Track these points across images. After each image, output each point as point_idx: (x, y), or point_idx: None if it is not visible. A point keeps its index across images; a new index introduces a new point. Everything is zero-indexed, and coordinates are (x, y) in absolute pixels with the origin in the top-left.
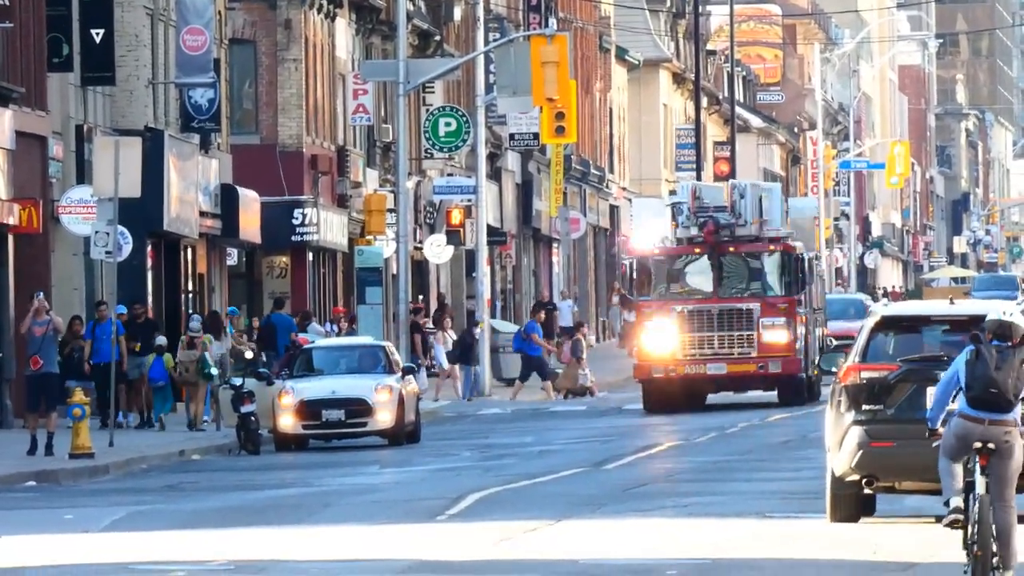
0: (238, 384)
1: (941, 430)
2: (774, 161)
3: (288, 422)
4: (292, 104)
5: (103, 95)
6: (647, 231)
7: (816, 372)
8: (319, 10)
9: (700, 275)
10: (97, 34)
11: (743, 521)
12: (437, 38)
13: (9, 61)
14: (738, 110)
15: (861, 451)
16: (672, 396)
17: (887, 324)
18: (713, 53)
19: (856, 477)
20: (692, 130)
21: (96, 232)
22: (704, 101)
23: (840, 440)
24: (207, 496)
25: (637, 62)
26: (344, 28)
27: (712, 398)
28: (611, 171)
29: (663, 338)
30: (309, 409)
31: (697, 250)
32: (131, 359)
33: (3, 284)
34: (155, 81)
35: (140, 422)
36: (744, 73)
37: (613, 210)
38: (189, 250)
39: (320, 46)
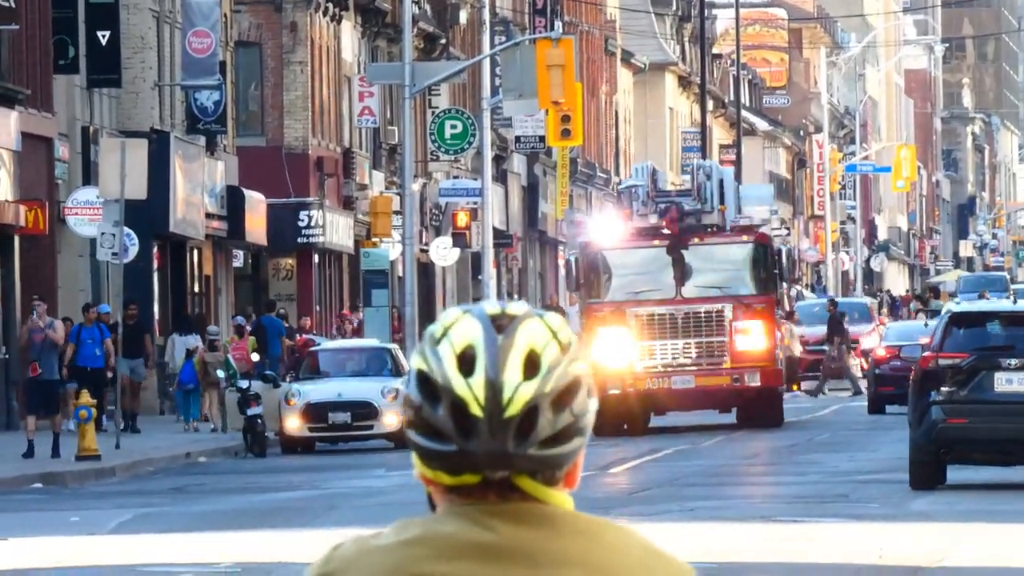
0: (244, 387)
1: None
2: (780, 164)
3: (294, 425)
4: (298, 106)
5: (109, 97)
6: (597, 220)
7: (786, 387)
8: (325, 13)
9: (660, 271)
10: (103, 36)
11: (749, 525)
12: (443, 41)
13: (15, 63)
14: (744, 113)
15: (938, 427)
16: (630, 416)
17: (958, 319)
18: (719, 56)
19: (934, 449)
20: (698, 133)
21: (102, 234)
22: (710, 104)
23: (920, 418)
24: (214, 498)
25: (643, 65)
26: (350, 31)
27: (655, 420)
28: (617, 174)
29: (618, 348)
30: (315, 412)
31: (657, 242)
32: (125, 361)
33: (9, 285)
34: (161, 83)
35: (124, 427)
36: (750, 76)
37: None
38: (195, 252)
39: (326, 49)
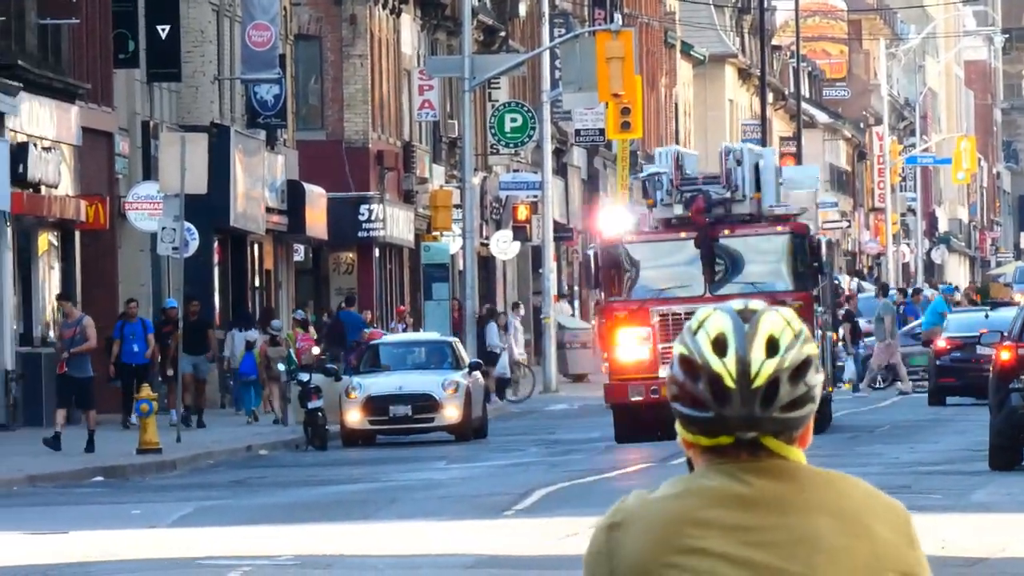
0: (305, 380)
1: None
2: (840, 157)
3: (355, 418)
4: (358, 100)
5: (169, 91)
6: (618, 213)
7: (831, 389)
8: (384, 5)
9: (687, 266)
10: (163, 30)
11: None
12: (502, 34)
13: (75, 57)
14: (804, 105)
15: (1018, 412)
16: (653, 424)
17: None
18: (778, 48)
19: (1013, 433)
20: (758, 125)
21: (163, 228)
22: (770, 96)
23: (1000, 403)
24: (274, 491)
25: (702, 57)
26: (409, 24)
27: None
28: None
29: (641, 351)
30: (376, 405)
31: (683, 234)
32: (187, 358)
33: (70, 280)
34: (221, 77)
35: (186, 420)
36: (810, 68)
37: None
38: (256, 246)
39: (385, 42)
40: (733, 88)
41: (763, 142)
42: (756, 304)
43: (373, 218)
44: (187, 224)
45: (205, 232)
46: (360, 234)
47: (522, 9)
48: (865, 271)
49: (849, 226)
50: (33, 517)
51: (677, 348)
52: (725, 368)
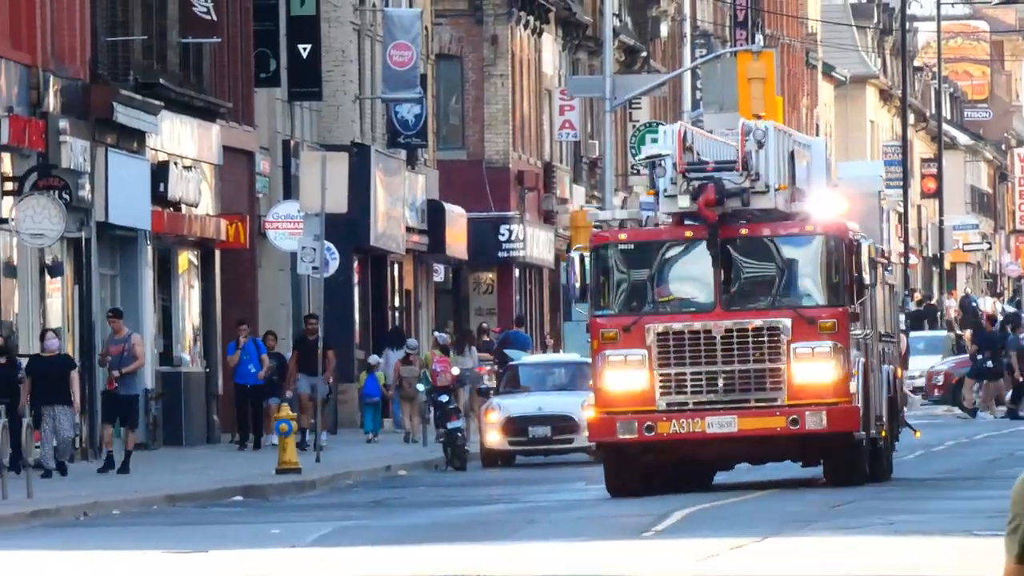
0: (444, 400)
1: None
2: (981, 178)
3: (495, 438)
4: (499, 120)
5: (310, 110)
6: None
7: (884, 433)
8: (526, 26)
9: (694, 274)
10: (304, 49)
11: (949, 539)
12: (643, 54)
13: (217, 76)
14: (945, 127)
15: None
16: (652, 471)
17: None
18: (920, 69)
19: None
20: (899, 147)
21: (303, 248)
22: (911, 118)
23: None
24: (413, 512)
25: (844, 78)
26: (551, 44)
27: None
28: None
29: (634, 377)
30: (516, 425)
31: (689, 233)
32: (305, 378)
33: (211, 299)
34: (362, 96)
35: (301, 444)
36: (951, 90)
37: None
38: (396, 266)
39: (527, 62)
40: (874, 109)
41: (904, 164)
42: None
43: (513, 238)
44: (327, 244)
45: (345, 252)
46: (500, 254)
47: (663, 30)
48: (1007, 294)
49: (990, 248)
50: (173, 536)
51: None
52: None
